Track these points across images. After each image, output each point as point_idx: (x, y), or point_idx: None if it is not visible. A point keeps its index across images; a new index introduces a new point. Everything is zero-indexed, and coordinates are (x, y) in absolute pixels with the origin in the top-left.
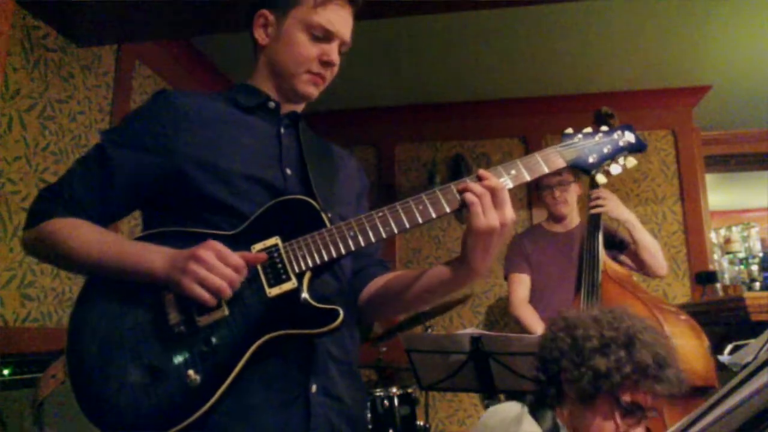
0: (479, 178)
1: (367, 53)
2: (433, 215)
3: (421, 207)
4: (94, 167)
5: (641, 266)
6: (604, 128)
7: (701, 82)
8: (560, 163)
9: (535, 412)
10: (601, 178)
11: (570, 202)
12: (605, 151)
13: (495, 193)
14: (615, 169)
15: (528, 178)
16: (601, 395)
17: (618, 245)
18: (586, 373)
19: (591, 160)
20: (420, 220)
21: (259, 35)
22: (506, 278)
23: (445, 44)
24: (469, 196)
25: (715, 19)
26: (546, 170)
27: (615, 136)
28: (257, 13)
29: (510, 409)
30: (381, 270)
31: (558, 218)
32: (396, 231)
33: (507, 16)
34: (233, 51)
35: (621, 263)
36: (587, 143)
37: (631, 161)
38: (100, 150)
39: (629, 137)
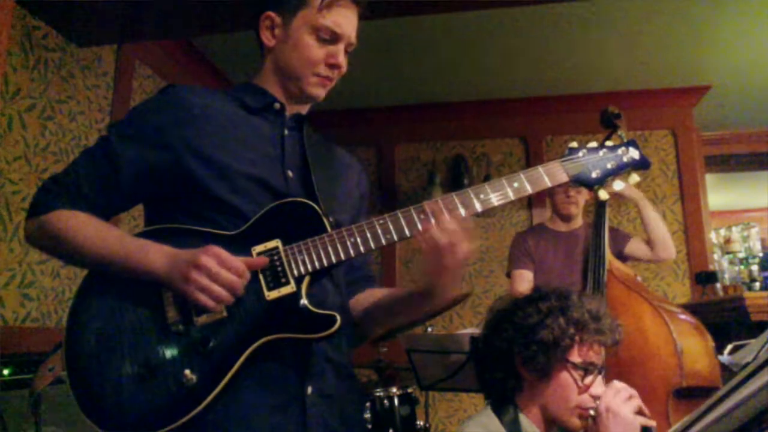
0: (433, 216)
1: (367, 53)
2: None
3: (422, 216)
4: (99, 160)
5: (651, 248)
6: (609, 143)
7: (701, 82)
8: (563, 178)
9: (497, 409)
10: (603, 194)
11: (580, 204)
12: (609, 167)
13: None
14: (618, 185)
15: (530, 191)
16: (556, 365)
17: (621, 237)
18: (537, 349)
19: (594, 175)
20: (420, 228)
21: (266, 37)
22: (508, 276)
23: (445, 44)
24: (442, 236)
25: (715, 19)
26: (549, 184)
27: (619, 152)
28: (263, 14)
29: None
30: (366, 285)
31: (565, 217)
32: (396, 239)
33: (507, 16)
34: (233, 51)
35: (627, 257)
36: (591, 158)
37: (634, 178)
38: (106, 143)
39: (633, 154)
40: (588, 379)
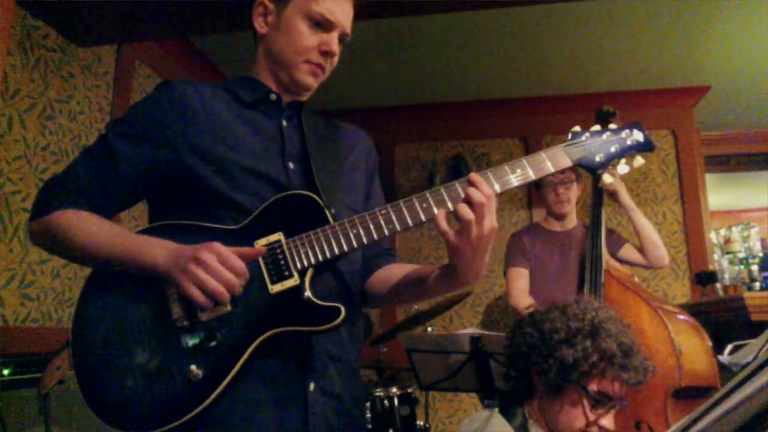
0: (471, 184)
1: (367, 53)
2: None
3: (424, 205)
4: (99, 159)
5: (643, 256)
6: (612, 126)
7: (701, 82)
8: (566, 162)
9: (505, 410)
10: (607, 178)
11: (572, 201)
12: (612, 150)
13: (491, 202)
14: (622, 168)
15: (533, 177)
16: (569, 386)
17: (615, 240)
18: (553, 364)
19: (598, 159)
20: (423, 218)
21: (259, 24)
22: (505, 275)
23: (445, 44)
24: (475, 208)
25: (715, 19)
26: (552, 169)
27: (623, 134)
28: (257, 1)
29: (482, 414)
30: (388, 259)
31: (558, 216)
32: (399, 228)
33: (507, 16)
34: (233, 51)
35: (620, 261)
36: (594, 142)
37: (639, 161)
38: (105, 142)
39: (637, 136)
40: (598, 411)
